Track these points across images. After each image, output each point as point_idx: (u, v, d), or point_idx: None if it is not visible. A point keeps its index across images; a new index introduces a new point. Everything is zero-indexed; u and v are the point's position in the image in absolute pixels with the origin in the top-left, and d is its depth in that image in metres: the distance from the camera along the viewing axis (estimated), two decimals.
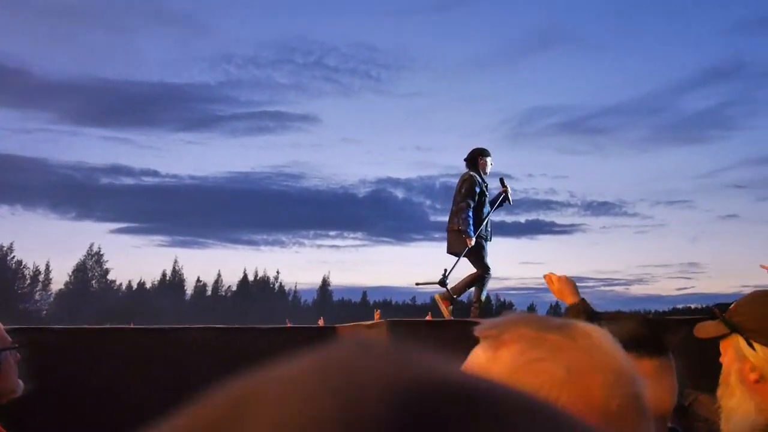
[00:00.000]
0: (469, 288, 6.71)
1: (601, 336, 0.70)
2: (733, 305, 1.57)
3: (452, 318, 6.30)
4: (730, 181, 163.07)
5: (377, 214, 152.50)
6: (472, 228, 6.49)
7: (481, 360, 0.71)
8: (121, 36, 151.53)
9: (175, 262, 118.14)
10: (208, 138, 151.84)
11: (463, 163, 6.92)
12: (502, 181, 7.14)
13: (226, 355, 3.97)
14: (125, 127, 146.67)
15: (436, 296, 6.68)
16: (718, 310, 1.59)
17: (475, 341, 0.74)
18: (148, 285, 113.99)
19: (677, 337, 1.33)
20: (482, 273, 6.70)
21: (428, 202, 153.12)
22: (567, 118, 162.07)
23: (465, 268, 6.81)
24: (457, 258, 6.60)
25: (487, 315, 6.43)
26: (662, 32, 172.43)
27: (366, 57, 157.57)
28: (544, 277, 2.57)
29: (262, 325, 4.52)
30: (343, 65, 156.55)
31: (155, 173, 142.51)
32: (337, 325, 4.45)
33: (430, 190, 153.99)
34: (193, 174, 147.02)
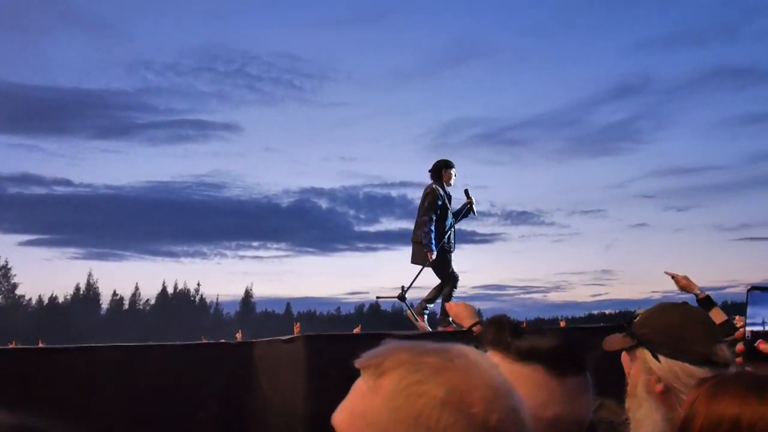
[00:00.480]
0: (437, 297, 6.82)
1: (477, 355, 0.74)
2: (638, 318, 1.62)
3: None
4: (639, 191, 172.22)
5: (301, 224, 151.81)
6: (433, 242, 6.60)
7: (363, 390, 0.73)
8: (30, 39, 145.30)
9: (90, 275, 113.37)
10: (125, 146, 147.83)
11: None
12: (467, 192, 7.22)
13: (138, 374, 3.79)
14: (35, 134, 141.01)
15: (408, 313, 6.69)
16: (625, 323, 1.63)
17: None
18: (61, 300, 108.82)
19: (594, 353, 1.33)
20: (446, 282, 6.80)
21: (352, 212, 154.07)
22: (487, 129, 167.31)
23: (429, 279, 6.92)
24: (419, 269, 6.67)
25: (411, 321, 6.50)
26: (575, 49, 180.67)
27: (289, 66, 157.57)
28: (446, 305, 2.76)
29: (174, 342, 4.35)
30: (265, 74, 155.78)
31: (68, 182, 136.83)
32: (254, 340, 4.33)
33: (354, 200, 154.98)
34: (108, 183, 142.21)
